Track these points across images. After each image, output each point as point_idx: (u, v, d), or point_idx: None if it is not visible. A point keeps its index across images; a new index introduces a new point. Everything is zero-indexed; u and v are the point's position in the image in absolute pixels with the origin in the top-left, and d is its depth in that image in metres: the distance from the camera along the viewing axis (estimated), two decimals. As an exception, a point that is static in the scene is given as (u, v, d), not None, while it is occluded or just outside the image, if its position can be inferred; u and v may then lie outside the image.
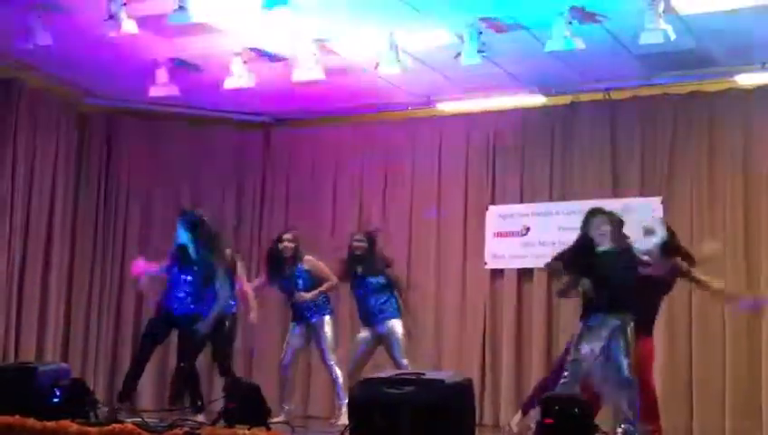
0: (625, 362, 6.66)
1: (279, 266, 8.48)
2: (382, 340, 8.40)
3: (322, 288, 8.38)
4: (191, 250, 7.92)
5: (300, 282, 8.40)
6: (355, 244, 8.46)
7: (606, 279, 6.74)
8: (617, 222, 6.96)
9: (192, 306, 7.91)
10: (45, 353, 10.25)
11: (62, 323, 10.64)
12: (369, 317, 8.39)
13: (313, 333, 8.43)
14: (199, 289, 7.92)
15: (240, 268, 8.52)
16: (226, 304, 8.14)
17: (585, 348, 6.72)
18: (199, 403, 7.98)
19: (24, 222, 10.23)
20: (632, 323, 6.73)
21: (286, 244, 8.46)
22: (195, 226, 7.97)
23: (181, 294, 7.93)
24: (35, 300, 10.27)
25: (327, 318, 8.43)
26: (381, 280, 8.40)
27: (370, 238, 8.55)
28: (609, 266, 6.75)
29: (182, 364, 8.01)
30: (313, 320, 8.39)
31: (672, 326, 9.25)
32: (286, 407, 8.36)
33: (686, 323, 9.39)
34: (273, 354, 10.81)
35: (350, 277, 8.47)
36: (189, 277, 7.91)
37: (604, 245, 6.81)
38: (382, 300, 8.38)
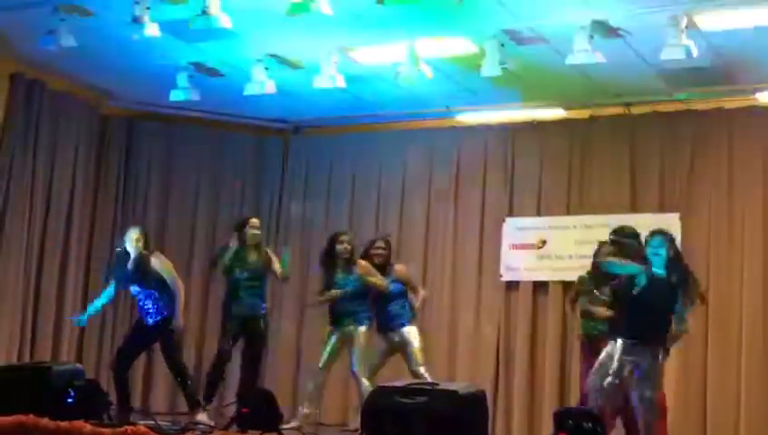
0: (647, 385, 6.63)
1: (333, 267, 8.36)
2: (398, 348, 8.32)
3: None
4: (130, 260, 8.26)
5: (349, 288, 8.29)
6: (377, 251, 8.41)
7: (643, 302, 6.71)
8: (674, 249, 6.89)
9: (160, 314, 8.18)
10: (60, 354, 10.28)
11: (77, 324, 10.69)
12: (387, 323, 8.30)
13: (347, 341, 8.27)
14: (157, 295, 8.19)
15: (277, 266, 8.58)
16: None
17: (609, 377, 6.69)
18: (196, 400, 8.14)
19: (43, 222, 10.27)
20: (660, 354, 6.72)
21: (345, 245, 8.39)
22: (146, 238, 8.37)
23: (146, 306, 8.24)
24: (52, 300, 10.30)
25: (364, 329, 8.27)
26: (398, 286, 8.36)
27: (389, 245, 8.54)
28: (650, 290, 6.72)
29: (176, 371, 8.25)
30: (349, 328, 8.26)
31: (686, 355, 9.19)
32: (305, 410, 8.30)
33: (702, 352, 9.36)
34: (288, 358, 10.90)
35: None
36: (139, 286, 8.25)
37: (655, 267, 6.76)
38: (399, 306, 8.32)
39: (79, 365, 8.05)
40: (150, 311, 8.17)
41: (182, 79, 9.56)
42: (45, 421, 6.32)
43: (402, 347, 8.28)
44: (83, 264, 10.75)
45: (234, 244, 8.46)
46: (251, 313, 8.42)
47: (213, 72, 9.72)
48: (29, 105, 10.14)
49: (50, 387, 6.93)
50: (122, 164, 11.29)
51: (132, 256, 8.26)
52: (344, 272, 8.30)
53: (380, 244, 8.51)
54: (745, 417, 9.09)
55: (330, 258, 8.37)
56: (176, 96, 9.65)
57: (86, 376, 7.54)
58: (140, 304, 8.26)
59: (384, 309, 8.32)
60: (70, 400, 6.88)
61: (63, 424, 6.29)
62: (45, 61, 9.65)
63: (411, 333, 8.27)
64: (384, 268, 8.37)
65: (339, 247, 8.35)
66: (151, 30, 7.97)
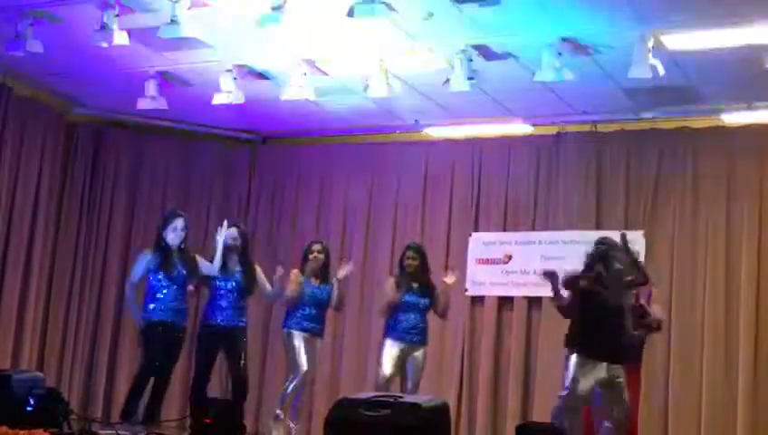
0: None
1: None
2: (407, 363, 8.21)
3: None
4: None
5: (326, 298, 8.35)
6: (408, 261, 8.32)
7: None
8: None
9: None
10: (21, 360, 10.17)
11: (39, 331, 10.56)
12: (408, 333, 8.17)
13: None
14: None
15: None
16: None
17: None
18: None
19: (6, 229, 10.16)
20: None
21: (316, 254, 8.36)
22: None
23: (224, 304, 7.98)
24: (14, 307, 10.18)
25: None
26: (427, 302, 8.29)
27: (421, 253, 8.40)
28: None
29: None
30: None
31: (649, 371, 9.21)
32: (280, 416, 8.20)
33: (664, 368, 9.41)
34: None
35: (401, 293, 8.25)
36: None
37: None
38: (423, 323, 8.27)
39: (39, 373, 7.97)
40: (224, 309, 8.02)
41: (150, 87, 9.51)
42: (4, 429, 6.25)
43: (411, 363, 8.22)
44: (46, 272, 10.66)
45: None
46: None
47: (181, 82, 9.70)
48: (-5, 110, 10.07)
49: (9, 395, 6.86)
50: (88, 172, 11.20)
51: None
52: (320, 282, 8.33)
53: (410, 253, 8.38)
54: (706, 428, 9.19)
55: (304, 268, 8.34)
56: (143, 105, 9.60)
57: (47, 384, 7.48)
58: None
59: (410, 319, 8.21)
60: (29, 408, 6.81)
61: (22, 433, 6.23)
62: (12, 66, 9.58)
63: (425, 354, 8.38)
64: (416, 277, 8.28)
65: (310, 257, 8.33)
66: (120, 38, 7.93)
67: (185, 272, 7.77)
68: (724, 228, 9.50)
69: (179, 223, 7.82)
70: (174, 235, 7.78)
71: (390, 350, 8.17)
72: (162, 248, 7.77)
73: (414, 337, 8.19)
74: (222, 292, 7.96)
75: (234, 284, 7.98)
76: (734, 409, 9.09)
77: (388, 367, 8.13)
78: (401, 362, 8.19)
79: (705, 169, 9.71)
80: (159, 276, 7.69)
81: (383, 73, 8.61)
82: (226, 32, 8.39)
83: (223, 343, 7.94)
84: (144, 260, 7.80)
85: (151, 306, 7.67)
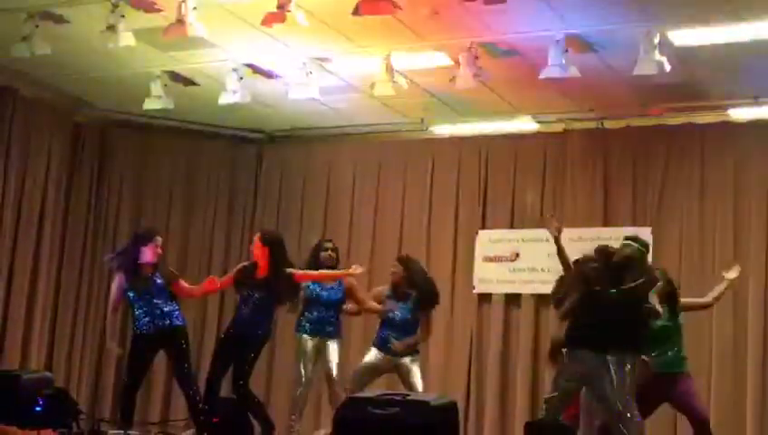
0: None
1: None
2: (400, 372, 8.07)
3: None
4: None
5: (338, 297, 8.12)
6: (392, 270, 8.18)
7: None
8: None
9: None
10: (30, 361, 10.20)
11: (47, 332, 10.58)
12: (386, 345, 8.05)
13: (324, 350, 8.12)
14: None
15: None
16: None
17: None
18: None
19: (14, 230, 10.19)
20: None
21: (330, 253, 8.17)
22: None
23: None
24: (22, 306, 10.22)
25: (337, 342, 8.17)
26: (413, 313, 8.08)
27: (406, 264, 8.20)
28: None
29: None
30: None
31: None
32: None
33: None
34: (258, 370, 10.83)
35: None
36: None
37: None
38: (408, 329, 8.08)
39: (48, 374, 7.98)
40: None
41: (156, 87, 9.52)
42: (13, 430, 6.27)
43: (403, 373, 8.03)
44: (54, 270, 10.68)
45: None
46: None
47: (188, 81, 9.70)
48: (1, 112, 10.06)
49: (18, 395, 6.88)
50: (95, 172, 11.24)
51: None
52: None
53: (394, 263, 8.23)
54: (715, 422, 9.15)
55: (314, 267, 8.09)
56: (150, 105, 9.60)
57: (56, 384, 7.49)
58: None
59: (391, 329, 8.04)
60: (38, 408, 6.83)
61: (31, 433, 6.25)
62: (18, 67, 9.59)
63: (416, 362, 8.08)
64: (398, 287, 8.08)
65: (323, 255, 8.16)
66: (126, 38, 7.94)
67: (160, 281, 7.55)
68: (732, 224, 9.49)
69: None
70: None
71: (370, 361, 8.08)
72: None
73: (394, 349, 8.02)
74: (245, 300, 7.57)
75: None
76: (743, 401, 9.10)
77: (358, 373, 8.02)
78: (386, 371, 8.16)
79: (712, 165, 9.70)
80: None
81: (389, 72, 8.60)
82: (232, 31, 8.39)
83: (235, 349, 7.54)
84: None
85: None
